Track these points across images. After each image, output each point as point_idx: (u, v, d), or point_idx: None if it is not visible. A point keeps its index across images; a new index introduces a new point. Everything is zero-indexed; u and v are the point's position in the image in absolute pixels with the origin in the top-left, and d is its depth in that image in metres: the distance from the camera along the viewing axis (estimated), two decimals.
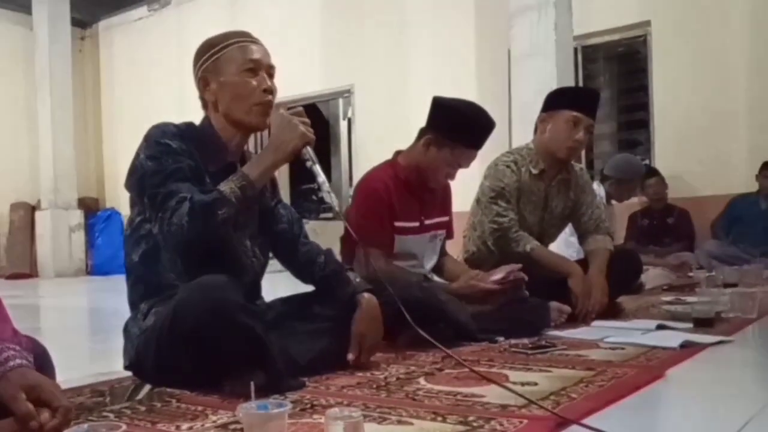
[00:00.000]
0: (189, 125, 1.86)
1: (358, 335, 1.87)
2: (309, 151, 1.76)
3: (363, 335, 1.87)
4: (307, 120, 1.77)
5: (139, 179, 1.73)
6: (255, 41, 1.87)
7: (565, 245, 3.78)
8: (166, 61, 9.15)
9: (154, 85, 9.24)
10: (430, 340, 1.75)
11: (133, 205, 1.82)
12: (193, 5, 8.99)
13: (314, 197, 9.25)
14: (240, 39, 1.84)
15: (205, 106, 1.89)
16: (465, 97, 2.58)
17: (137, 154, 1.76)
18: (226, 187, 1.67)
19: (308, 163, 1.77)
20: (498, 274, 2.50)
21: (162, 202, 1.66)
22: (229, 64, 1.81)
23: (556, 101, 2.93)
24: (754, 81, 5.55)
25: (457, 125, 2.43)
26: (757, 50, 5.54)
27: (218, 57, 1.82)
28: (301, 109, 1.82)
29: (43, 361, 1.32)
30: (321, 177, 1.77)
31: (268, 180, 1.86)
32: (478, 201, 3.01)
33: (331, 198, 1.76)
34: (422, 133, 2.52)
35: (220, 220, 1.65)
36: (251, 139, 1.99)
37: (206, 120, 1.88)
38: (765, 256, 4.99)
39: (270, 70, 1.85)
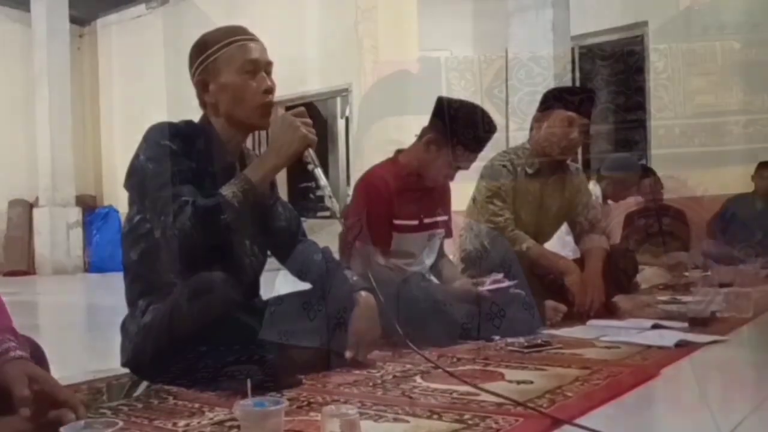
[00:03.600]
0: (188, 123, 1.84)
1: (355, 333, 1.86)
2: (311, 154, 1.74)
3: (360, 333, 1.87)
4: (308, 120, 1.75)
5: (139, 182, 1.72)
6: (252, 38, 1.83)
7: (560, 245, 3.79)
8: (164, 59, 9.13)
9: (152, 83, 9.22)
10: (412, 346, 1.79)
11: (131, 203, 1.81)
12: (192, 3, 8.97)
13: (312, 196, 9.24)
14: (237, 38, 1.81)
15: (203, 107, 1.86)
16: (462, 96, 2.59)
17: (137, 155, 1.74)
18: (228, 191, 1.66)
19: (310, 166, 1.75)
20: (487, 285, 2.51)
21: (164, 206, 1.65)
22: (227, 65, 1.78)
23: (550, 101, 2.93)
24: (750, 81, 5.55)
25: (459, 126, 2.43)
26: (753, 50, 5.55)
27: (216, 58, 1.79)
28: (302, 109, 1.80)
29: (38, 362, 1.32)
30: (323, 180, 1.76)
31: (269, 183, 1.85)
32: (474, 200, 3.02)
33: (331, 202, 1.76)
34: (424, 132, 2.53)
35: (223, 224, 1.64)
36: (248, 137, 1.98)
37: (205, 119, 1.86)
38: (760, 256, 5.00)
39: (268, 68, 1.83)
